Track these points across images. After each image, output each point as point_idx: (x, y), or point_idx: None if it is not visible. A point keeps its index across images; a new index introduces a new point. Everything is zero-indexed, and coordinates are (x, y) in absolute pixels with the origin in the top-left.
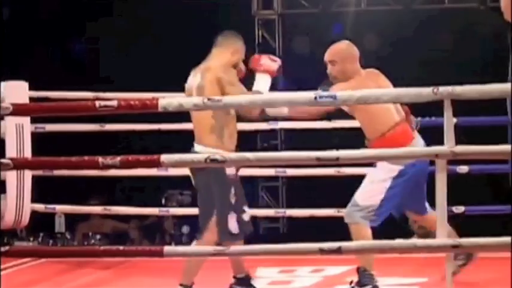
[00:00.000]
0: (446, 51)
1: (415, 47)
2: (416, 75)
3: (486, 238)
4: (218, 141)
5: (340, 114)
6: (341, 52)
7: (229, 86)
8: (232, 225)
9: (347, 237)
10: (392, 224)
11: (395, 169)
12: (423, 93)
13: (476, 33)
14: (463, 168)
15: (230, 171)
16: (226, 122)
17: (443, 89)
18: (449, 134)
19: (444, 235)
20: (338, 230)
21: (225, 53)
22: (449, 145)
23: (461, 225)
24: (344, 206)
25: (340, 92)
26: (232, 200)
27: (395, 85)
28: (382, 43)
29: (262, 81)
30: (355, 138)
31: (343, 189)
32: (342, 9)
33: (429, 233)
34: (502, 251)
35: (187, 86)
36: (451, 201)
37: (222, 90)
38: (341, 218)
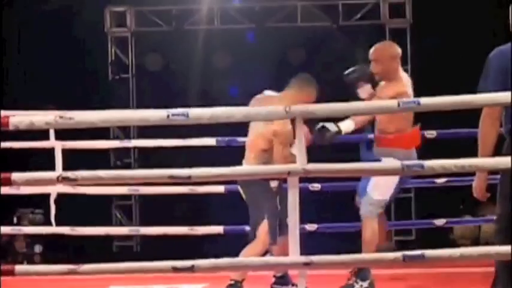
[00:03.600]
0: (298, 68)
1: (269, 65)
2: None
3: (338, 255)
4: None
5: (192, 132)
6: (384, 51)
7: (278, 144)
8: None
9: (201, 254)
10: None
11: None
12: (275, 111)
13: (328, 50)
14: (316, 186)
15: (273, 184)
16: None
17: (295, 108)
18: (301, 152)
19: (296, 252)
20: (192, 247)
21: (297, 97)
22: (301, 163)
23: (314, 242)
24: (198, 223)
25: (194, 110)
26: (278, 207)
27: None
28: (235, 61)
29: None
30: (208, 156)
31: (197, 207)
32: (195, 27)
33: None
34: (353, 267)
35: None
36: (304, 218)
37: (271, 140)
38: (195, 236)
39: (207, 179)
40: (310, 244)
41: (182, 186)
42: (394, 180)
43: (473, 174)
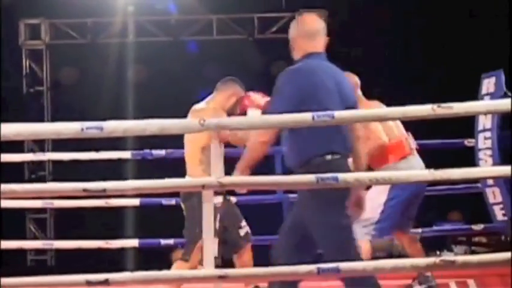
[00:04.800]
0: (215, 81)
1: (184, 78)
2: (187, 107)
3: (252, 268)
4: (205, 173)
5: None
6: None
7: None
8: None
9: (116, 268)
10: None
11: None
12: (189, 124)
13: (244, 63)
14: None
15: (217, 200)
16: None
17: (210, 121)
18: (216, 165)
19: (211, 265)
20: (107, 261)
21: (220, 97)
22: (216, 176)
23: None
24: (113, 237)
25: (109, 123)
26: (216, 226)
27: (164, 116)
28: (150, 74)
29: (253, 115)
30: (122, 168)
31: (112, 220)
32: (110, 40)
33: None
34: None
35: None
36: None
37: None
38: (110, 250)
39: (122, 192)
40: None
41: (97, 199)
42: (381, 197)
43: None
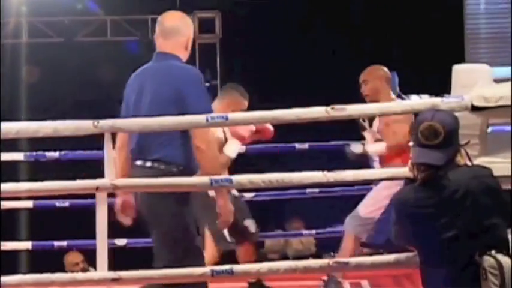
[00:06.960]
0: (108, 82)
1: (78, 79)
2: (81, 107)
3: (146, 270)
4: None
5: None
6: (372, 72)
7: None
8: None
9: (8, 271)
10: None
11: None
12: (83, 126)
13: (139, 64)
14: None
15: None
16: None
17: (103, 122)
18: (109, 167)
19: (104, 268)
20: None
21: (221, 105)
22: (109, 178)
23: (123, 257)
24: (6, 239)
25: (1, 124)
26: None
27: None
28: (43, 75)
29: (232, 146)
30: (15, 170)
31: (5, 222)
32: (3, 41)
33: None
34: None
35: None
36: (113, 233)
37: None
38: (3, 252)
39: (15, 194)
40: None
41: None
42: (385, 200)
43: (279, 189)
